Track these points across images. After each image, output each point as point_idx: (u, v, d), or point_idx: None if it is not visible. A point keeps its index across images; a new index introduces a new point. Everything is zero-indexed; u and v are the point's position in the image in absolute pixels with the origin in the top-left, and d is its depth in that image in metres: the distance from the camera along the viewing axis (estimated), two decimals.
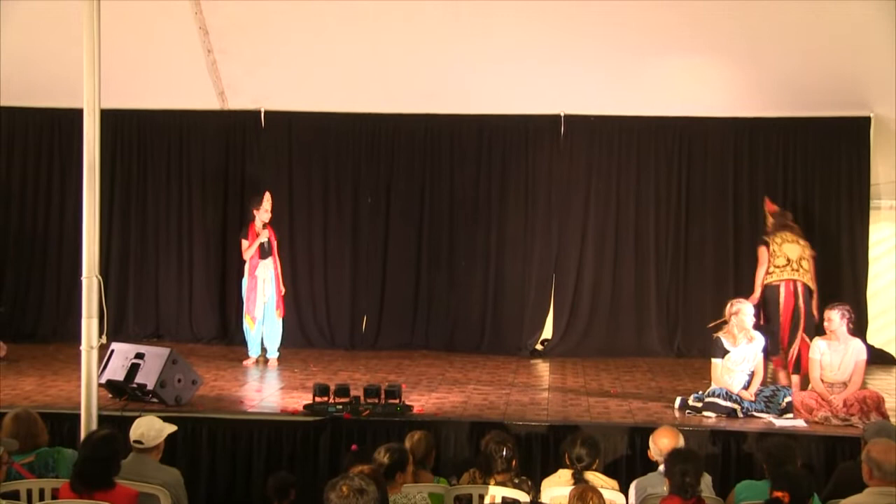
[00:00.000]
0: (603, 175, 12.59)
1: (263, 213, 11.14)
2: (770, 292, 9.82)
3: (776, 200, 12.18)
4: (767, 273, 9.86)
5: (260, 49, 11.75)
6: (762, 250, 10.02)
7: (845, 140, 12.27)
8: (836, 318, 8.59)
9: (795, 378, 9.50)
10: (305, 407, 8.37)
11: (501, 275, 12.67)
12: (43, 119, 12.93)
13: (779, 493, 5.37)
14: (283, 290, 11.37)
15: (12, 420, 6.38)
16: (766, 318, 9.78)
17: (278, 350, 11.30)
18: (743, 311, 8.74)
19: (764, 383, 8.90)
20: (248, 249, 11.10)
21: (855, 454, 6.57)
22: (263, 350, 11.27)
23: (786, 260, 9.85)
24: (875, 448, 5.64)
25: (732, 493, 6.37)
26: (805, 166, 12.37)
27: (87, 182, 6.86)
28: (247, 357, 11.16)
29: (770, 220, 10.43)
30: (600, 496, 5.44)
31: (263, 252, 11.13)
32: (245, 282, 11.23)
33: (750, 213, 12.33)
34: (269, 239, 11.17)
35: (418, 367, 11.16)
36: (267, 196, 11.25)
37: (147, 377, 8.48)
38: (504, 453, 6.40)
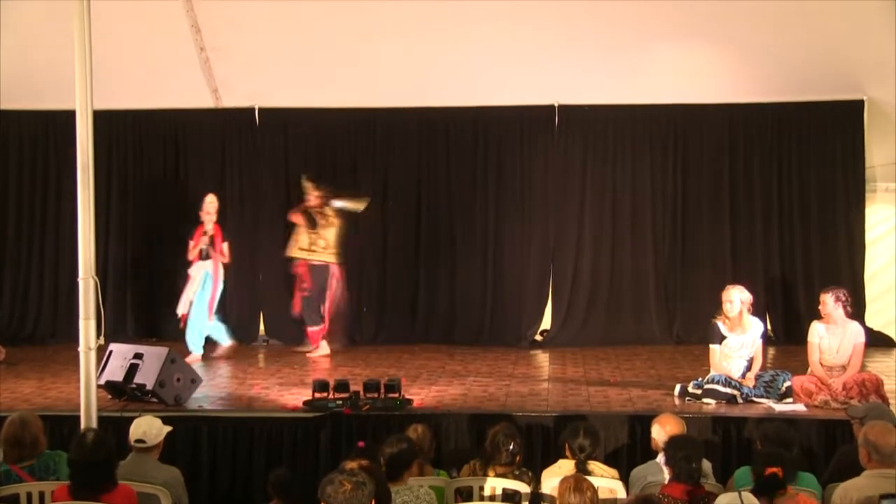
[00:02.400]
0: (598, 164, 12.58)
1: (205, 216, 11.23)
2: (321, 270, 11.47)
3: (770, 184, 12.26)
4: (311, 251, 11.46)
5: (252, 46, 11.72)
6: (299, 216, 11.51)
7: (839, 124, 12.26)
8: (829, 302, 8.56)
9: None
10: (305, 403, 8.38)
11: (499, 266, 12.66)
12: (38, 121, 12.93)
13: (774, 469, 5.37)
14: (219, 289, 11.31)
15: (17, 425, 6.31)
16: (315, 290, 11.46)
17: (203, 347, 11.30)
18: (724, 298, 8.75)
19: (764, 368, 8.92)
20: (191, 252, 11.26)
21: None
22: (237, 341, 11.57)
23: (325, 242, 11.49)
24: (872, 431, 5.64)
25: (732, 478, 6.39)
26: (800, 151, 12.36)
27: (81, 183, 6.85)
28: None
29: (318, 196, 11.57)
30: (593, 485, 5.45)
31: (203, 254, 11.21)
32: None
33: (746, 198, 12.36)
34: (208, 244, 11.18)
35: (418, 360, 11.18)
36: (208, 198, 11.31)
37: (146, 377, 8.47)
38: (511, 447, 6.42)
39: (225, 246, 11.29)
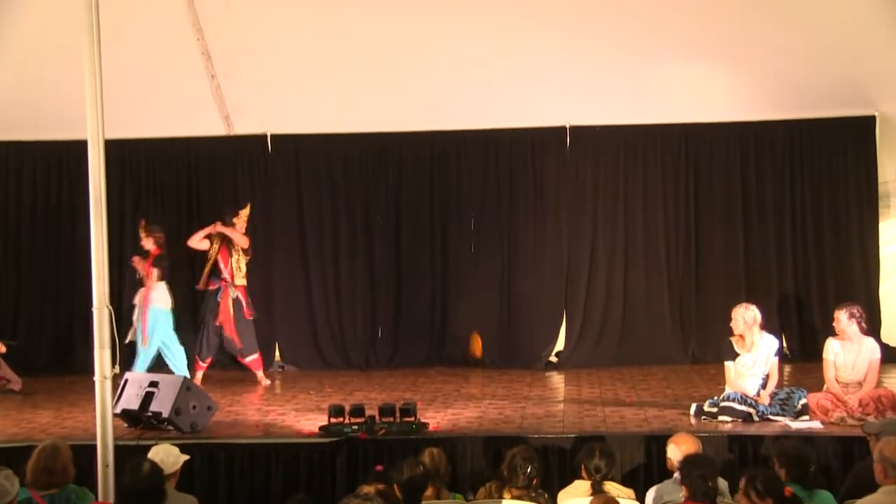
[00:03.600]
0: (610, 184, 12.59)
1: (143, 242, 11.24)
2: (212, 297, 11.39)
3: (783, 201, 12.24)
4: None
5: (263, 73, 11.77)
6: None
7: (851, 139, 12.26)
8: (843, 318, 8.55)
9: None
10: (321, 429, 8.39)
11: (513, 288, 12.67)
12: (51, 151, 12.97)
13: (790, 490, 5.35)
14: (149, 314, 11.18)
15: (48, 452, 6.22)
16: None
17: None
18: (733, 317, 8.76)
19: (780, 385, 8.88)
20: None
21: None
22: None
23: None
24: (889, 447, 5.61)
25: None
26: (812, 167, 12.36)
27: (94, 213, 6.88)
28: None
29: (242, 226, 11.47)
30: None
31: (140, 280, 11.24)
32: None
33: (759, 216, 12.36)
34: (143, 268, 11.18)
35: (434, 383, 11.18)
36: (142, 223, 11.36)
37: (162, 405, 8.49)
38: (528, 471, 6.42)
39: (155, 272, 11.16)
